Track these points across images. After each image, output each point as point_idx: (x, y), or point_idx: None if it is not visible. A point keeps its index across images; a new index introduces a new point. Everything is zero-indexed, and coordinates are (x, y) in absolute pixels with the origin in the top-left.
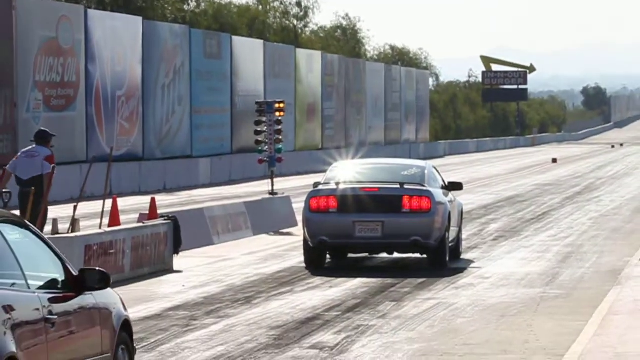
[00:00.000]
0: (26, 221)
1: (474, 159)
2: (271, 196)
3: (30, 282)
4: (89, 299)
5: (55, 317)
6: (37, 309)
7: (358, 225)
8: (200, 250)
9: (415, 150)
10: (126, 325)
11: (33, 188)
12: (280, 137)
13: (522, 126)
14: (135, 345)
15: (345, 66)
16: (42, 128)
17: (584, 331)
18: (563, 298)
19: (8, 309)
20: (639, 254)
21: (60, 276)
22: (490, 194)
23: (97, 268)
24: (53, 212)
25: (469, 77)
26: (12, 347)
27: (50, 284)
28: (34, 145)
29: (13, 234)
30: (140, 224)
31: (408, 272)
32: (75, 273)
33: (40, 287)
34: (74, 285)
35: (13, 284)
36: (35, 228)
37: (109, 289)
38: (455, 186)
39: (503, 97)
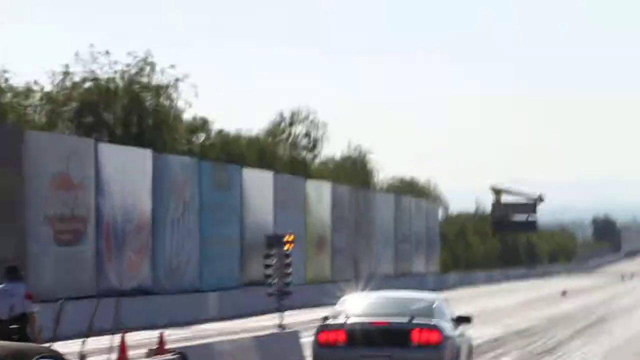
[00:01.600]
0: (62, 354)
1: (484, 290)
2: (280, 330)
3: None
4: None
5: None
6: None
7: (367, 359)
8: None
9: (425, 282)
10: None
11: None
12: (290, 271)
13: (532, 257)
14: None
15: (355, 197)
16: (11, 263)
17: None
18: None
19: None
20: None
21: None
22: (499, 327)
23: None
24: (61, 348)
25: (477, 208)
26: None
27: None
28: (6, 283)
29: None
30: None
31: None
32: None
33: None
34: None
35: None
36: None
37: None
38: (464, 320)
39: (513, 228)
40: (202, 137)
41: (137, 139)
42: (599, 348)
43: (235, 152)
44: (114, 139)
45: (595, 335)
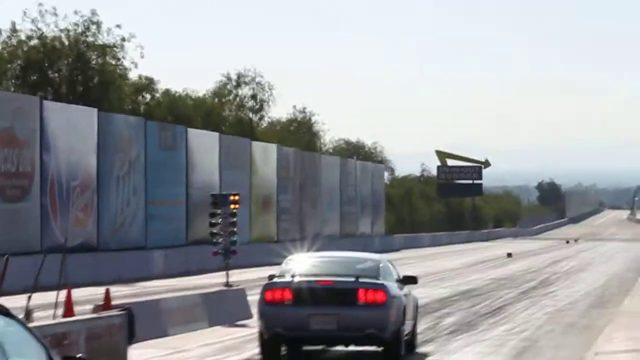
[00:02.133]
0: (9, 309)
1: (429, 252)
2: (226, 288)
3: None
4: None
5: None
6: None
7: (313, 317)
8: (156, 342)
9: (370, 244)
10: None
11: None
12: (235, 230)
13: (477, 221)
14: None
15: (300, 159)
16: None
17: None
18: None
19: None
20: (594, 349)
21: None
22: (445, 288)
23: (79, 355)
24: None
25: (423, 171)
26: None
27: None
28: None
29: None
30: (95, 315)
31: None
32: None
33: None
34: None
35: None
36: (20, 317)
37: None
38: (410, 280)
39: (458, 192)
40: (147, 97)
41: (82, 98)
42: (543, 310)
43: (181, 112)
44: (59, 98)
45: (540, 297)
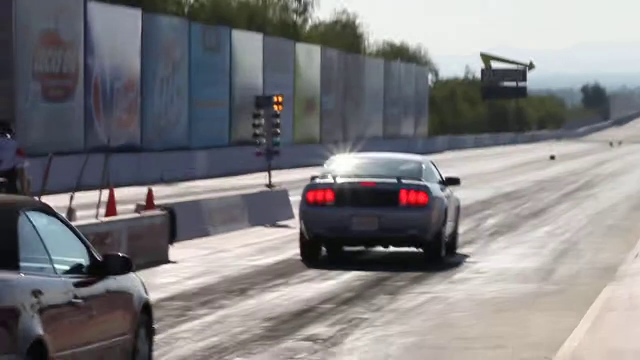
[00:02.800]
0: (52, 207)
1: (473, 154)
2: (268, 189)
3: (57, 266)
4: (112, 283)
5: (81, 300)
6: (64, 293)
7: (355, 219)
8: (197, 242)
9: (413, 146)
10: (147, 308)
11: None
12: (279, 131)
13: (521, 123)
14: (155, 326)
15: (344, 61)
16: (1, 118)
17: (578, 327)
18: (558, 294)
19: (36, 293)
20: (635, 251)
21: (85, 261)
22: (488, 190)
23: (120, 254)
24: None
25: (467, 73)
26: (40, 330)
27: (76, 269)
28: None
29: (41, 220)
30: (137, 215)
31: (404, 266)
32: (99, 258)
33: (67, 272)
34: (98, 269)
35: (41, 269)
36: (63, 215)
37: (131, 273)
38: (453, 181)
39: (502, 94)
40: None
41: None
42: (585, 212)
43: (225, 14)
44: None
45: (582, 200)
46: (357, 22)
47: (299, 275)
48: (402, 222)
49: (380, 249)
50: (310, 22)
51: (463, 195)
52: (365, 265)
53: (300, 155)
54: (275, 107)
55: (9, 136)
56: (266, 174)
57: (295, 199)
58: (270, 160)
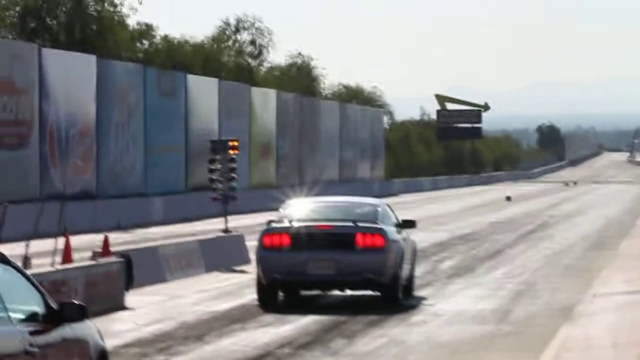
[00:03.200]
0: (7, 256)
1: (428, 197)
2: (225, 234)
3: (12, 315)
4: (68, 331)
5: (36, 349)
6: (19, 342)
7: (311, 262)
8: (153, 288)
9: (369, 188)
10: (103, 355)
11: None
12: (234, 176)
13: (476, 164)
14: None
15: (299, 104)
16: None
17: None
18: (515, 335)
19: None
20: (592, 291)
21: (40, 309)
22: (444, 232)
23: (76, 301)
24: (4, 250)
25: (422, 115)
26: None
27: (31, 317)
28: None
29: None
30: (93, 262)
31: (361, 309)
32: (55, 306)
33: (22, 320)
34: (53, 317)
35: None
36: (18, 264)
37: (87, 320)
38: (409, 224)
39: (457, 135)
40: (146, 44)
41: (80, 45)
42: (541, 253)
43: (180, 59)
44: (57, 45)
45: (538, 240)
46: (312, 64)
47: (256, 320)
48: (358, 265)
49: (338, 292)
50: (265, 66)
51: (419, 237)
52: (322, 308)
53: (257, 199)
54: (231, 152)
55: None
56: (223, 218)
57: (252, 243)
58: (226, 205)
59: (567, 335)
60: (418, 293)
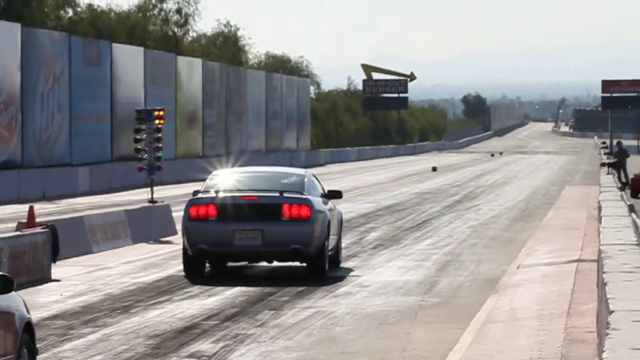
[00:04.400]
0: None
1: (355, 167)
2: (151, 204)
3: None
4: None
5: None
6: None
7: (237, 233)
8: (79, 259)
9: (296, 159)
10: (28, 327)
11: None
12: (160, 145)
13: (402, 134)
14: (37, 346)
15: (226, 74)
16: None
17: (461, 339)
18: (441, 306)
19: None
20: (517, 262)
21: None
22: (370, 203)
23: (1, 272)
24: None
25: (349, 84)
26: None
27: None
28: None
29: None
30: (18, 233)
31: (287, 281)
32: None
33: None
34: None
35: None
36: None
37: (12, 292)
38: (335, 194)
39: (384, 105)
40: (70, 12)
41: (4, 13)
42: (467, 224)
43: (104, 28)
44: None
45: (464, 211)
46: (239, 34)
47: (182, 292)
48: (284, 236)
49: (264, 263)
50: (191, 35)
51: (345, 208)
52: (249, 280)
53: (183, 170)
54: (157, 121)
55: None
56: (149, 189)
57: (178, 214)
58: (152, 175)
59: (492, 307)
60: (345, 264)
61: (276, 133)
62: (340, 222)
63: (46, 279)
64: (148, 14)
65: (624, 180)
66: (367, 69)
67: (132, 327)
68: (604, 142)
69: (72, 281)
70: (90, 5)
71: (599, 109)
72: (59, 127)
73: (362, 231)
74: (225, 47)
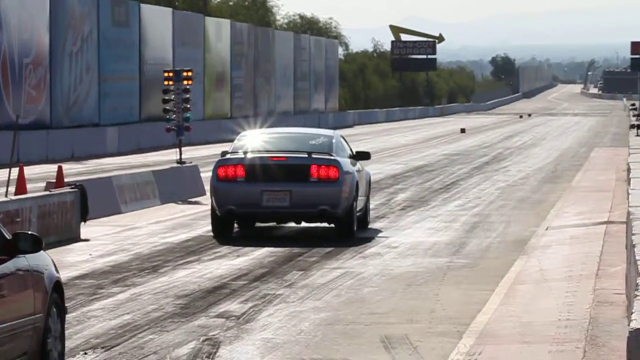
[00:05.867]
0: None
1: (383, 128)
2: (179, 165)
3: None
4: (22, 261)
5: None
6: None
7: (266, 194)
8: (108, 219)
9: (324, 120)
10: (57, 286)
11: None
12: (189, 106)
13: (431, 96)
14: (66, 305)
15: (254, 35)
16: None
17: (489, 300)
18: (469, 267)
19: None
20: (545, 223)
21: None
22: (398, 164)
23: (30, 232)
24: None
25: (376, 46)
26: None
27: None
28: None
29: None
30: (47, 192)
31: (315, 242)
32: (8, 237)
33: None
34: (7, 248)
35: None
36: None
37: (41, 251)
38: (363, 155)
39: (412, 66)
40: None
41: None
42: (495, 185)
43: None
44: None
45: (492, 173)
46: None
47: (210, 252)
48: (312, 197)
49: (292, 224)
50: None
51: (374, 169)
52: (277, 240)
53: (211, 130)
54: (185, 82)
55: None
56: (177, 149)
57: (206, 175)
58: (180, 135)
59: (521, 268)
60: (373, 225)
61: (304, 94)
62: (369, 183)
63: (75, 238)
64: None
65: None
66: (396, 30)
67: (161, 287)
68: (633, 104)
69: (101, 241)
70: None
71: (628, 70)
72: (87, 88)
73: (390, 192)
74: (253, 8)
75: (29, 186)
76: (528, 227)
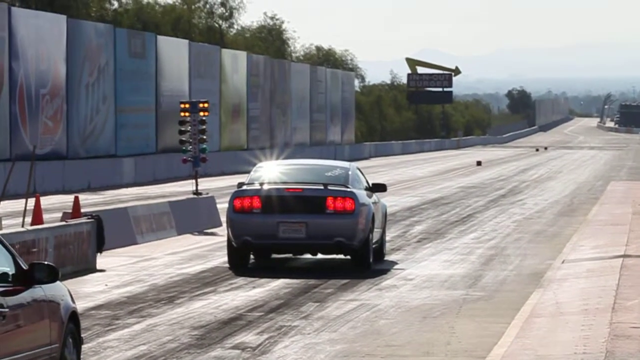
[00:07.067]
0: None
1: (399, 160)
2: (195, 196)
3: None
4: (39, 291)
5: (7, 309)
6: None
7: (282, 225)
8: (124, 250)
9: (340, 152)
10: (74, 316)
11: None
12: (205, 137)
13: (447, 128)
14: (82, 335)
15: (270, 67)
16: None
17: (505, 333)
18: (485, 300)
19: None
20: (562, 257)
21: (10, 270)
22: (414, 196)
23: (46, 262)
24: None
25: (393, 78)
26: None
27: (2, 278)
28: None
29: None
30: (64, 223)
31: (331, 273)
32: (25, 267)
33: None
34: (24, 278)
35: None
36: None
37: (57, 282)
38: (379, 188)
39: (428, 99)
40: (115, 4)
41: (50, 5)
42: (511, 218)
43: (149, 19)
44: (27, 4)
45: (508, 205)
46: (283, 27)
47: (226, 283)
48: (328, 229)
49: (308, 255)
50: (235, 28)
51: (390, 201)
52: (293, 272)
53: (227, 162)
54: (201, 113)
55: None
56: (193, 180)
57: (223, 206)
58: (196, 166)
59: (537, 301)
60: (389, 257)
61: (320, 126)
62: (385, 215)
63: (91, 269)
64: (193, 7)
65: None
66: (412, 62)
67: (177, 318)
68: None
69: (117, 271)
70: None
71: None
72: (104, 119)
73: (406, 224)
74: (269, 40)
75: (45, 217)
76: (544, 260)
